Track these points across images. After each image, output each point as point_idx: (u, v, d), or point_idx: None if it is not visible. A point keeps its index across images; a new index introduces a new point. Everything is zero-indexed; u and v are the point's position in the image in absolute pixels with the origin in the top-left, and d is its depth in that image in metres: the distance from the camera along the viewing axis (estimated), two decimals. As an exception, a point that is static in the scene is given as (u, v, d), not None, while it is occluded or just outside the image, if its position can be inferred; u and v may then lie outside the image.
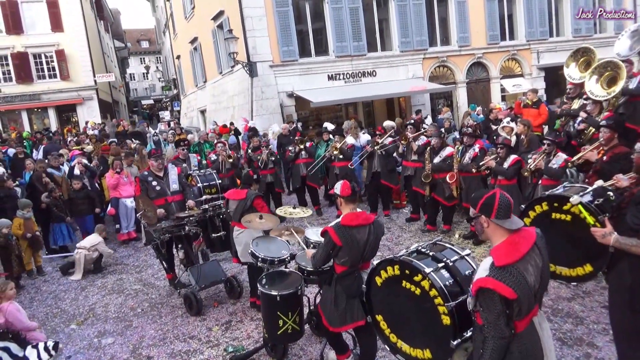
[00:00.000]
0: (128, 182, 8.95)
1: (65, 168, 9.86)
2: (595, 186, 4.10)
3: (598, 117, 6.65)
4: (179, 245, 6.35)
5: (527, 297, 2.40)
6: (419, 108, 17.98)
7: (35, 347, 3.97)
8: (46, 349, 4.03)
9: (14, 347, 3.27)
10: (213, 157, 9.67)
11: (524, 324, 2.48)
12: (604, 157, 5.45)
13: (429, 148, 7.78)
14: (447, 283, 2.87)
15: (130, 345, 5.16)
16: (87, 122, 22.40)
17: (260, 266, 4.52)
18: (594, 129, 6.62)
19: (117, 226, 9.36)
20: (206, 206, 6.21)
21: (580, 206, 3.77)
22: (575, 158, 5.86)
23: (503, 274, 2.37)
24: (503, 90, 19.56)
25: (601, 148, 5.60)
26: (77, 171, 9.27)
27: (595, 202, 3.84)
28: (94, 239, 7.71)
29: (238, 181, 8.62)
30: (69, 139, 15.11)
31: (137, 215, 6.51)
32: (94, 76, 26.27)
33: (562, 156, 6.03)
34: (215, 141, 10.97)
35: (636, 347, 3.25)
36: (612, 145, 5.42)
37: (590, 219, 3.68)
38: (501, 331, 2.38)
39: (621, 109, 6.45)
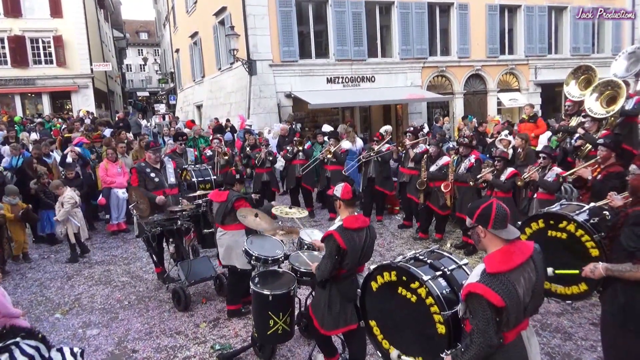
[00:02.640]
0: (121, 172, 8.86)
1: (56, 155, 9.76)
2: (591, 205, 4.13)
3: (596, 134, 6.71)
4: (170, 240, 6.29)
5: (515, 308, 2.40)
6: (415, 116, 18.08)
7: (60, 350, 3.84)
8: (73, 354, 3.88)
9: (43, 348, 3.12)
10: (209, 152, 9.62)
11: (511, 336, 2.48)
12: (599, 176, 5.49)
13: (425, 156, 7.81)
14: (444, 292, 2.86)
15: (115, 338, 5.09)
16: (79, 111, 22.24)
17: (253, 264, 4.48)
18: (590, 146, 6.68)
19: (107, 216, 9.27)
20: (200, 201, 6.15)
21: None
22: (568, 173, 5.89)
23: (493, 281, 2.38)
24: (499, 103, 19.72)
25: (596, 166, 5.65)
26: (69, 159, 9.17)
27: (591, 221, 3.86)
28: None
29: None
30: (63, 126, 14.96)
31: (130, 206, 6.44)
32: (91, 64, 26.05)
33: (555, 170, 6.07)
34: (212, 137, 10.91)
35: (626, 367, 3.27)
36: (608, 164, 5.48)
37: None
38: (490, 339, 2.37)
39: (617, 129, 6.51)
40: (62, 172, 8.97)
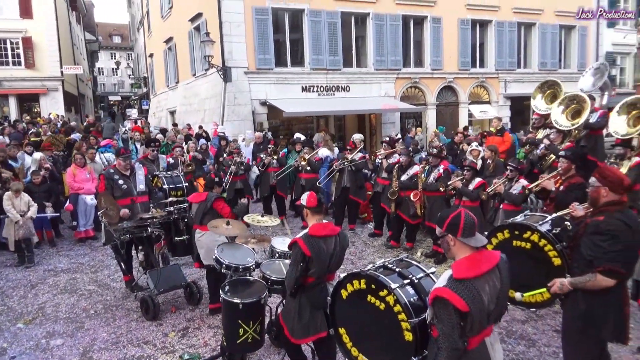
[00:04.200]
0: (90, 178, 8.67)
1: (28, 159, 9.45)
2: (554, 215, 4.27)
3: (560, 146, 6.96)
4: (139, 247, 6.19)
5: (479, 314, 2.48)
6: (388, 126, 18.32)
7: None
8: None
9: None
10: (170, 160, 9.47)
11: (475, 342, 2.56)
12: (561, 187, 5.68)
13: (397, 166, 7.93)
14: (411, 299, 2.91)
15: (80, 348, 4.96)
16: (49, 114, 21.70)
17: (224, 272, 4.46)
18: (554, 157, 6.91)
19: (74, 223, 9.04)
20: (171, 208, 6.08)
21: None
22: (532, 185, 6.08)
23: (459, 286, 2.46)
24: (470, 115, 20.16)
25: (559, 177, 5.84)
26: (32, 165, 8.92)
27: (554, 231, 3.99)
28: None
29: (199, 185, 8.51)
30: (32, 130, 14.55)
31: (98, 213, 6.31)
32: (61, 67, 25.42)
33: (522, 182, 6.25)
34: (174, 145, 10.77)
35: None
36: (569, 176, 5.68)
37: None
38: (454, 343, 2.45)
39: (582, 141, 6.76)
40: (28, 177, 8.72)
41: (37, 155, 9.23)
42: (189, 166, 9.14)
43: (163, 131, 16.58)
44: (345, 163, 8.62)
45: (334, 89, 17.35)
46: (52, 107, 24.49)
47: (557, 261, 3.89)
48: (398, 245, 8.07)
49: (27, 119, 19.53)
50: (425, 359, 2.82)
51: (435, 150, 7.67)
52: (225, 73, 15.47)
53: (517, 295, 3.72)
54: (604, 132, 7.33)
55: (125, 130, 16.84)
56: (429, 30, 18.84)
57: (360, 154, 8.80)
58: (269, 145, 10.17)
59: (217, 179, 5.73)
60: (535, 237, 4.03)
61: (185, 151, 10.11)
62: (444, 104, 19.95)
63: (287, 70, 16.67)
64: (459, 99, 20.16)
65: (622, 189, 3.28)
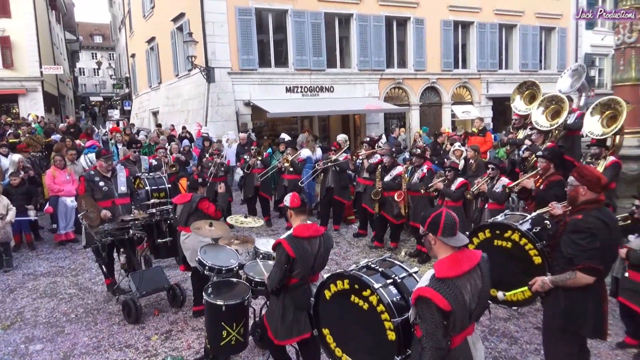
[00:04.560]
0: (70, 180, 8.53)
1: (5, 161, 9.27)
2: (533, 214, 4.34)
3: (542, 146, 7.07)
4: (121, 250, 6.11)
5: (461, 312, 2.50)
6: (372, 126, 18.40)
7: None
8: None
9: None
10: (153, 162, 9.39)
11: (457, 340, 2.59)
12: (541, 186, 5.78)
13: (380, 166, 7.96)
14: (394, 299, 2.93)
15: (60, 353, 4.87)
16: (28, 115, 21.27)
17: (207, 274, 4.42)
18: (536, 157, 7.02)
19: (54, 226, 8.89)
20: (153, 210, 6.01)
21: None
22: (513, 184, 6.16)
23: (441, 285, 2.48)
24: (453, 115, 20.36)
25: (538, 177, 5.94)
26: (10, 167, 8.75)
27: (534, 230, 4.05)
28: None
29: (180, 186, 8.44)
30: (10, 131, 14.24)
31: (79, 215, 6.21)
32: (41, 67, 24.90)
33: (503, 181, 6.34)
34: (157, 146, 10.65)
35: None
36: (549, 174, 5.77)
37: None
38: (438, 342, 2.47)
39: (561, 142, 6.88)
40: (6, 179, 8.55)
41: (16, 157, 9.07)
42: (173, 167, 9.06)
43: (145, 132, 16.41)
44: (329, 163, 8.64)
45: (318, 90, 17.36)
46: (32, 107, 23.99)
47: (537, 260, 3.94)
48: (382, 245, 8.10)
49: (8, 120, 19.09)
50: (408, 358, 2.84)
51: (418, 151, 7.72)
52: (209, 73, 15.36)
53: (500, 294, 3.76)
54: (583, 133, 7.47)
55: (105, 132, 16.58)
56: (412, 31, 18.97)
57: (344, 155, 8.82)
58: (252, 147, 10.12)
59: (200, 180, 5.72)
60: (516, 237, 4.08)
61: (169, 152, 10.02)
62: (427, 104, 20.10)
63: (270, 71, 16.63)
64: (442, 99, 20.33)
65: (599, 188, 3.34)
